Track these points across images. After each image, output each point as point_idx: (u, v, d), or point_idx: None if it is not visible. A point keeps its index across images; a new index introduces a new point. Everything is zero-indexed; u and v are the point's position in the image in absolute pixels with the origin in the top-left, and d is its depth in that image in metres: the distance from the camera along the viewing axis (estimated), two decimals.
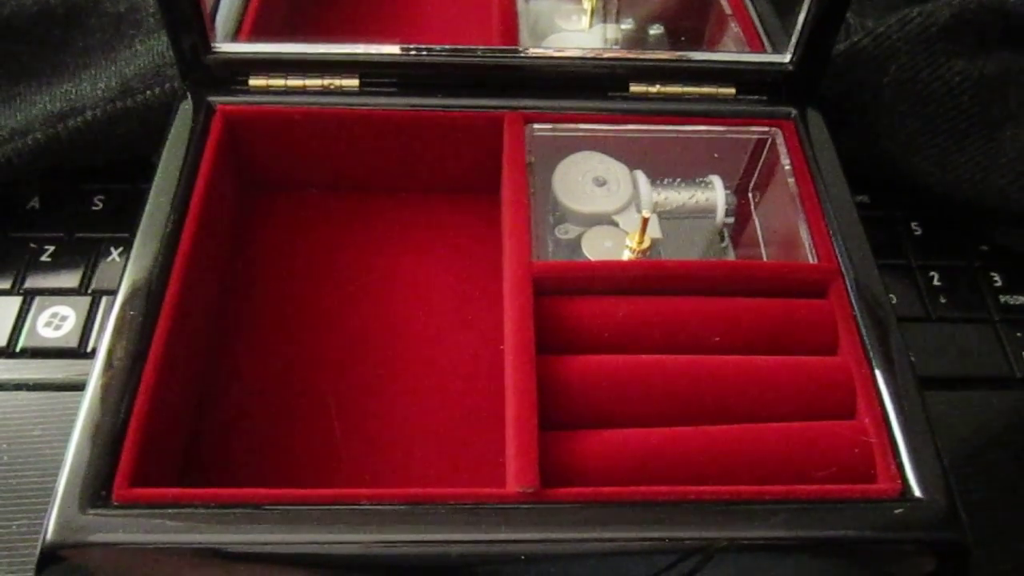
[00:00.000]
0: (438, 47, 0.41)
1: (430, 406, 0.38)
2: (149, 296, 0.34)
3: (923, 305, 0.45)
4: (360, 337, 0.40)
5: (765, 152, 0.43)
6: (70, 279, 0.44)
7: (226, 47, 0.41)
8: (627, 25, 0.50)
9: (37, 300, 0.43)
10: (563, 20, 0.50)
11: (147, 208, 0.37)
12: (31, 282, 0.44)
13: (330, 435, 0.37)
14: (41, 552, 0.29)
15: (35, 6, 0.45)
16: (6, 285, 0.43)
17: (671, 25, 0.50)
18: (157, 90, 0.43)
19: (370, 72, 0.41)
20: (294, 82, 0.41)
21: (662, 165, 0.42)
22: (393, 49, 0.41)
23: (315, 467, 0.36)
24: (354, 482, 0.36)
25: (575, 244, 0.40)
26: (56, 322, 0.42)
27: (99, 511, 0.29)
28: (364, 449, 0.37)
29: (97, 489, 0.30)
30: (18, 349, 0.41)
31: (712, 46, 0.49)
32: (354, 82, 0.41)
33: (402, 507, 0.30)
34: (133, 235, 0.36)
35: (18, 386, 0.40)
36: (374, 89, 0.41)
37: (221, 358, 0.39)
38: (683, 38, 0.50)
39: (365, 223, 0.44)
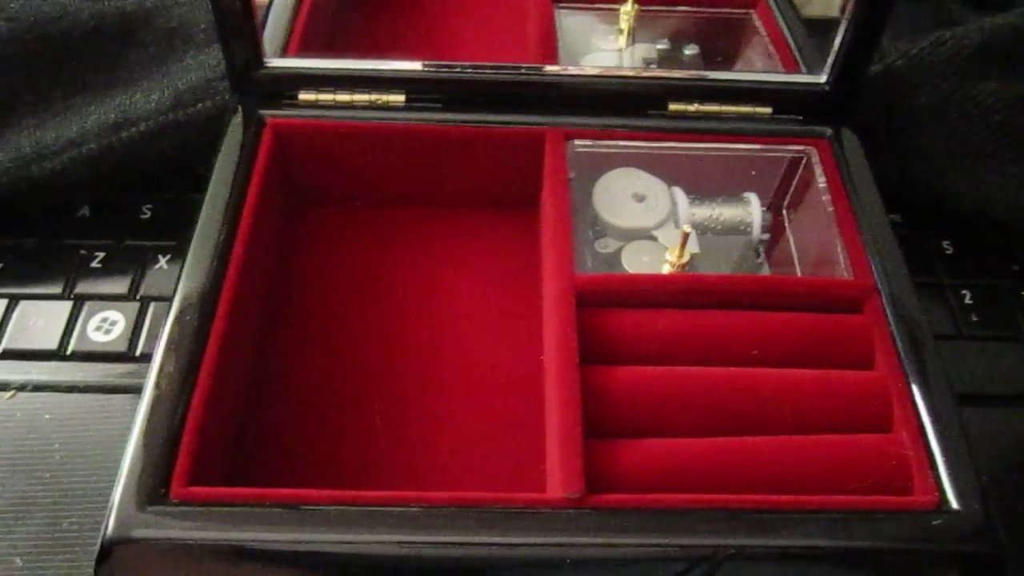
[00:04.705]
0: (481, 65, 0.42)
1: (469, 414, 0.39)
2: (203, 303, 0.35)
3: (954, 323, 0.46)
4: (403, 346, 0.41)
5: (800, 170, 0.43)
6: (119, 285, 0.45)
7: (277, 62, 0.42)
8: (663, 45, 0.51)
9: (87, 305, 0.44)
10: (600, 39, 0.51)
11: (201, 218, 0.38)
12: (81, 287, 0.45)
13: (373, 440, 0.38)
14: (101, 547, 0.30)
15: (91, 21, 0.46)
16: (57, 290, 0.45)
17: (706, 45, 0.51)
18: (208, 103, 0.45)
19: (416, 88, 0.42)
20: (342, 97, 0.42)
21: (699, 182, 0.43)
22: (438, 67, 0.42)
23: (358, 472, 0.37)
24: (395, 485, 0.36)
25: (614, 258, 0.41)
26: (106, 326, 0.43)
27: (158, 508, 0.30)
28: (404, 455, 0.38)
29: (156, 487, 0.30)
30: (69, 352, 0.43)
31: (748, 66, 0.50)
32: (400, 98, 0.42)
33: (450, 509, 0.30)
34: (187, 243, 0.37)
35: (70, 388, 0.41)
36: (419, 105, 0.42)
37: (269, 364, 0.40)
38: (719, 58, 0.51)
39: (408, 235, 0.45)
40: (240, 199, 0.39)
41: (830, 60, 0.42)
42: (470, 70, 0.42)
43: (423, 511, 0.30)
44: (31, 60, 0.46)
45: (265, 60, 0.42)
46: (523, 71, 0.43)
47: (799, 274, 0.42)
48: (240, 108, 0.42)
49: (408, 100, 0.42)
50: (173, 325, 0.35)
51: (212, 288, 0.36)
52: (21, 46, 0.46)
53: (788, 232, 0.44)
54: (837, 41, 0.41)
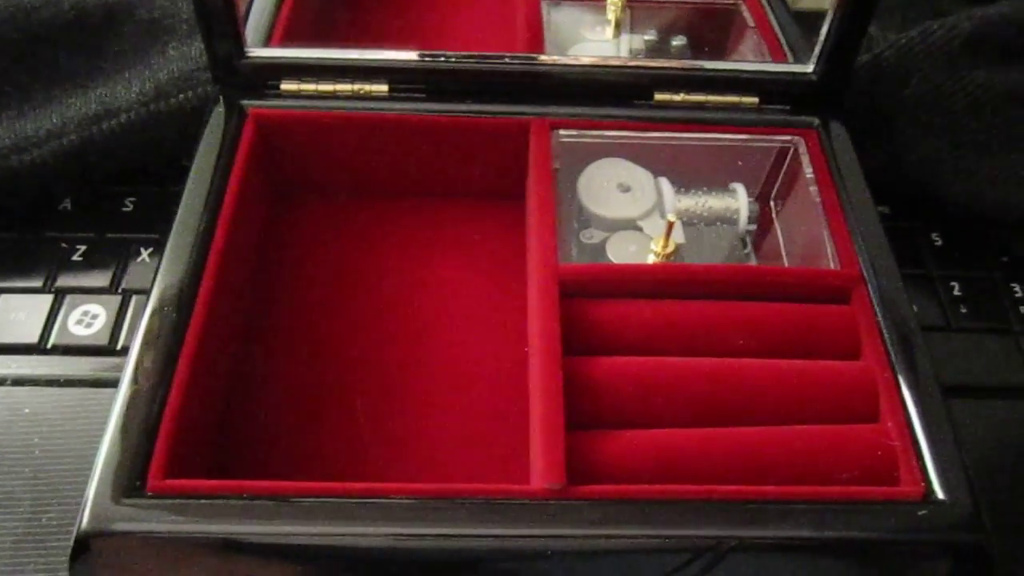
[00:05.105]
0: (466, 54, 0.42)
1: (453, 406, 0.39)
2: (183, 294, 0.35)
3: (943, 315, 0.46)
4: (387, 337, 0.40)
5: (788, 161, 0.43)
6: (101, 278, 0.45)
7: (258, 52, 0.42)
8: (650, 36, 0.51)
9: (68, 298, 0.44)
10: (587, 30, 0.51)
11: (180, 209, 0.37)
12: (62, 281, 0.44)
13: (357, 432, 0.38)
14: (76, 540, 0.29)
15: (72, 11, 0.46)
16: (38, 283, 0.44)
17: (694, 36, 0.50)
18: (190, 93, 0.44)
19: (399, 78, 0.42)
20: (325, 87, 0.42)
21: (686, 172, 0.43)
22: (422, 56, 0.42)
23: (341, 463, 0.37)
24: (378, 477, 0.36)
25: (599, 249, 0.41)
26: (87, 320, 0.43)
27: (133, 501, 0.30)
28: (388, 446, 0.37)
29: (132, 480, 0.30)
30: (49, 346, 0.42)
31: (735, 57, 0.49)
32: (383, 88, 0.42)
33: (431, 501, 0.30)
34: (167, 234, 0.37)
35: (49, 382, 0.41)
36: (403, 95, 0.42)
37: (252, 356, 0.40)
38: (706, 49, 0.50)
39: (392, 226, 0.44)
40: (221, 190, 0.38)
41: (817, 50, 0.42)
42: (453, 59, 0.42)
43: (405, 503, 0.30)
44: (11, 51, 0.45)
45: (247, 50, 0.41)
46: (507, 60, 0.42)
47: (786, 264, 0.42)
48: (222, 98, 0.42)
49: (391, 90, 0.42)
50: (151, 318, 0.34)
51: (191, 280, 0.35)
52: (0, 36, 0.45)
53: (775, 223, 0.44)
54: (824, 30, 0.41)
